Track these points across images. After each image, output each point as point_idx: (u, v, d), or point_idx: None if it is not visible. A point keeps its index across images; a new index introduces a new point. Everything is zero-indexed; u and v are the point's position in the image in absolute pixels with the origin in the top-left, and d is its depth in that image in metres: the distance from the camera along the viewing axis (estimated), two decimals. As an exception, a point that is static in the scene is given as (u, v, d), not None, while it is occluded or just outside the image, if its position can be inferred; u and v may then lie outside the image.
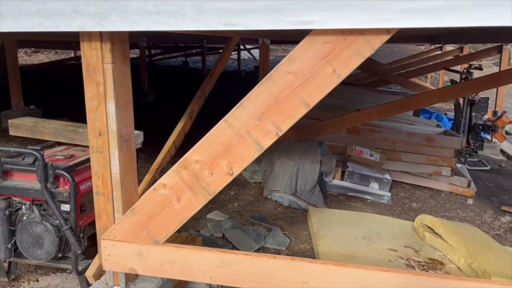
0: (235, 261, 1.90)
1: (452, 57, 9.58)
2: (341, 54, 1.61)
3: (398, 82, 8.54)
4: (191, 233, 3.34)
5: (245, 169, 4.83)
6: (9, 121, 2.87)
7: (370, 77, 8.85)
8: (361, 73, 9.56)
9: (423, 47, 14.17)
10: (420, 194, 5.01)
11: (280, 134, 1.76)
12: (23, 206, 2.39)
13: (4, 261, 2.56)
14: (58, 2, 1.69)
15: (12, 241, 2.40)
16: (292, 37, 5.12)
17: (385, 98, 5.79)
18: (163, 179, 1.93)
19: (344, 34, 1.59)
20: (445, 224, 3.42)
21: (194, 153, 1.86)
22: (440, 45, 11.40)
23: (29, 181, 2.34)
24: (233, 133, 1.78)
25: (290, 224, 3.78)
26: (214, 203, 4.06)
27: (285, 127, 1.74)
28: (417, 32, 8.01)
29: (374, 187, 4.65)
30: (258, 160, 4.76)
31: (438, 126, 6.22)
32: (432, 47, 12.06)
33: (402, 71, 8.96)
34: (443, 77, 12.29)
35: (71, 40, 9.32)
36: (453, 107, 7.62)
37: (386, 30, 1.55)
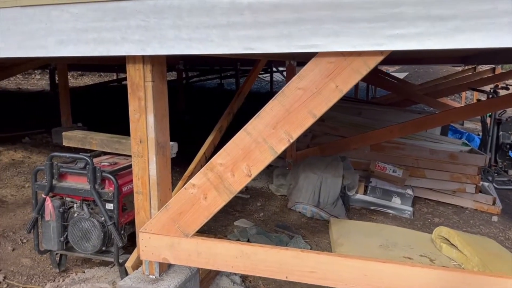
0: (252, 252, 2.17)
1: (479, 78, 9.59)
2: (342, 72, 1.90)
3: (425, 101, 8.65)
4: (219, 237, 3.63)
5: (272, 183, 5.12)
6: (63, 133, 3.28)
7: (398, 97, 9.01)
8: (391, 93, 9.74)
9: (459, 68, 14.05)
10: (444, 210, 5.11)
11: (292, 141, 2.05)
12: (74, 205, 2.78)
13: (56, 254, 2.94)
14: (110, 32, 2.07)
15: (64, 235, 2.78)
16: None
17: (410, 117, 5.94)
18: (193, 180, 2.25)
19: (344, 56, 1.88)
20: (460, 236, 3.55)
21: (219, 158, 2.17)
22: (474, 65, 11.43)
23: (80, 183, 2.73)
24: (251, 140, 2.09)
25: (312, 233, 4.00)
26: (242, 213, 4.35)
27: (295, 134, 2.03)
28: (449, 53, 8.14)
29: (396, 201, 4.81)
30: (284, 175, 5.04)
31: (465, 145, 6.28)
32: (466, 68, 12.07)
33: (430, 92, 9.06)
34: (477, 98, 12.19)
35: (114, 64, 10.05)
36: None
37: (380, 52, 1.82)
